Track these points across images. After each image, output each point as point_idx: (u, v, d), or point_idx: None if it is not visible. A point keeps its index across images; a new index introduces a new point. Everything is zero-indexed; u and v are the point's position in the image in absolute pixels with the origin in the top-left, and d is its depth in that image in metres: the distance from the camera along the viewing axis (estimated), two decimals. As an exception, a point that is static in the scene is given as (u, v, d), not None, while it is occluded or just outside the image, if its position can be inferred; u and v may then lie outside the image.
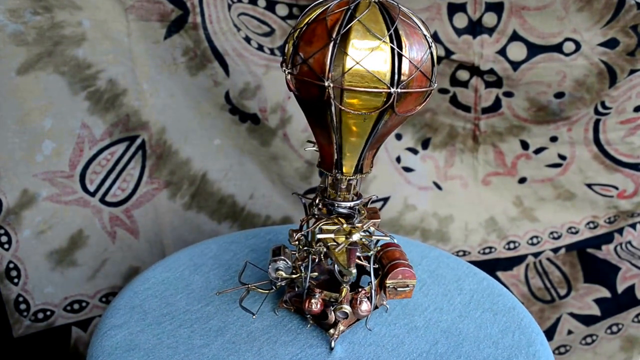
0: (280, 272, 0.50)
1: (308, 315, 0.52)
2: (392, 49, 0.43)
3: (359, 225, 0.50)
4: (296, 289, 0.53)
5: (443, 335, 0.53)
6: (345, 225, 0.48)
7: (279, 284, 0.51)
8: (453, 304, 0.58)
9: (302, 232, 0.51)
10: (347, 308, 0.49)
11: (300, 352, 0.49)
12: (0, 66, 0.68)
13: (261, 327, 0.52)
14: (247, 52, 0.82)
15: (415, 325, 0.54)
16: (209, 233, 0.90)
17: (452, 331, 0.54)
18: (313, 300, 0.50)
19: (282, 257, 0.50)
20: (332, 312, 0.50)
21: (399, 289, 0.52)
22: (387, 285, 0.52)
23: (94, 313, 0.83)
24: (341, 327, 0.51)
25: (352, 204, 0.51)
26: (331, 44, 0.43)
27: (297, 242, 0.52)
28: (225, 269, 0.60)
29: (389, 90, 0.44)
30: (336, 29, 0.43)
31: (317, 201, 0.52)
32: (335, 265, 0.49)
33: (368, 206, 0.55)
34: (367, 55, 0.43)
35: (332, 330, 0.51)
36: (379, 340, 0.52)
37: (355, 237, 0.45)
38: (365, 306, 0.49)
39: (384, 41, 0.43)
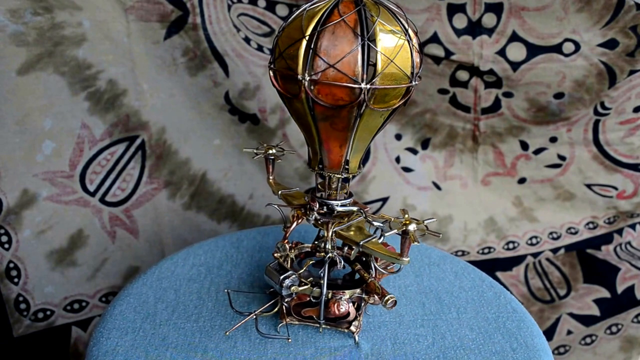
0: (295, 287, 0.49)
1: (322, 320, 0.51)
2: (409, 42, 0.45)
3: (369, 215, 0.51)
4: (312, 299, 0.51)
5: (422, 295, 0.58)
6: (395, 218, 0.48)
7: (290, 299, 0.50)
8: (398, 267, 0.62)
9: (328, 240, 0.51)
10: (393, 295, 0.49)
11: None
12: (1, 66, 0.68)
13: (278, 352, 0.50)
14: (246, 52, 0.82)
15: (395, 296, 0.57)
16: (209, 233, 0.90)
17: (424, 290, 0.59)
18: (343, 302, 0.50)
19: (292, 272, 0.49)
20: (353, 307, 0.51)
21: (388, 267, 0.54)
22: (377, 267, 0.53)
23: (94, 313, 0.83)
24: (360, 319, 0.52)
25: (351, 200, 0.52)
26: (360, 46, 0.43)
27: (283, 254, 0.51)
28: (182, 309, 0.55)
29: (410, 84, 0.46)
30: (358, 29, 0.43)
31: (317, 206, 0.51)
32: (375, 260, 0.50)
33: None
34: (397, 53, 0.44)
35: (353, 328, 0.52)
36: (381, 319, 0.54)
37: (412, 227, 0.45)
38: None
39: (404, 38, 0.44)
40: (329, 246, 0.51)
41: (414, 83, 0.46)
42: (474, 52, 0.86)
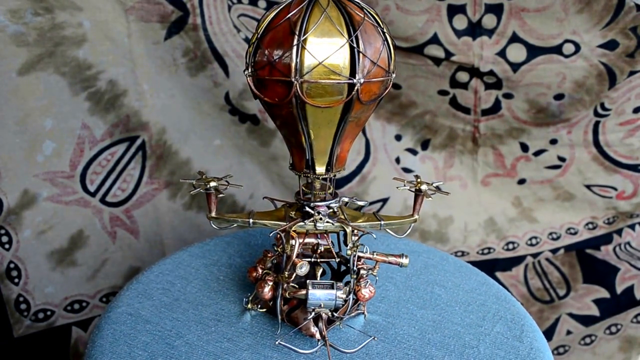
0: (342, 295, 0.47)
1: (343, 315, 0.51)
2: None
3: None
4: (345, 297, 0.50)
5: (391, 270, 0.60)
6: (408, 182, 0.53)
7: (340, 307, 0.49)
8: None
9: (350, 235, 0.50)
10: (403, 253, 0.51)
11: (375, 343, 0.50)
12: (1, 67, 0.68)
13: None
14: (247, 53, 0.82)
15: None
16: (209, 233, 0.90)
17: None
18: (369, 284, 0.50)
19: (335, 284, 0.47)
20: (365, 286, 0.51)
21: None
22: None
23: (94, 313, 0.83)
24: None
25: (338, 195, 0.53)
26: (385, 40, 0.45)
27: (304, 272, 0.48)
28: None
29: None
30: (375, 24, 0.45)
31: (327, 210, 0.50)
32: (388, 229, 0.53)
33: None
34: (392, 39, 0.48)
35: (362, 307, 0.53)
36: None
37: (424, 187, 0.51)
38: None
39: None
40: (350, 245, 0.49)
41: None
42: (474, 53, 0.86)
